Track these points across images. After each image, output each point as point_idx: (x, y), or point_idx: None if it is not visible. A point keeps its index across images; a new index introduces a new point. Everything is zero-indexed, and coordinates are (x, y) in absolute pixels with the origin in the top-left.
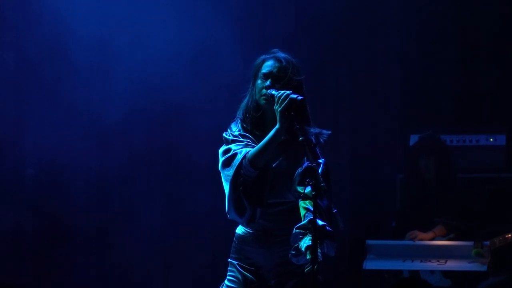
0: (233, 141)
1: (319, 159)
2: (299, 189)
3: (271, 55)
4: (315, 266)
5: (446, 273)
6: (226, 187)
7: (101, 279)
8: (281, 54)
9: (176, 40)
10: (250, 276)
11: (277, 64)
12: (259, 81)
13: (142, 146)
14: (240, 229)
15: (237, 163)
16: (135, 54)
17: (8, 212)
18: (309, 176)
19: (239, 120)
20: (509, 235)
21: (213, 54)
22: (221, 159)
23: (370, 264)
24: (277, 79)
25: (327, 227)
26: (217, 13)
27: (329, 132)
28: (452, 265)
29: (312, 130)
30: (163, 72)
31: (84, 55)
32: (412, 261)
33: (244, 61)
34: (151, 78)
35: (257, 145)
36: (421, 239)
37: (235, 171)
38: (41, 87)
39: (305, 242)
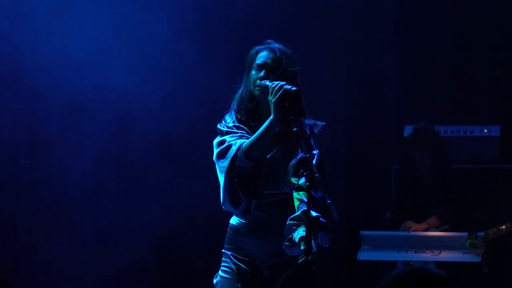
0: (227, 133)
1: (314, 150)
2: (293, 180)
3: (266, 46)
4: (309, 257)
5: (440, 264)
6: (221, 179)
7: (95, 272)
8: (276, 45)
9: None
10: (244, 266)
11: (271, 55)
12: (253, 72)
13: (137, 138)
14: (234, 220)
15: (232, 154)
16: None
17: (3, 205)
18: (303, 167)
19: (233, 112)
20: (503, 227)
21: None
22: (215, 151)
23: (364, 255)
24: (272, 70)
25: (321, 218)
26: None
27: (324, 123)
28: (446, 256)
29: (306, 121)
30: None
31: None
32: (406, 252)
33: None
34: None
35: (251, 136)
36: (415, 230)
37: (230, 162)
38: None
39: (299, 233)
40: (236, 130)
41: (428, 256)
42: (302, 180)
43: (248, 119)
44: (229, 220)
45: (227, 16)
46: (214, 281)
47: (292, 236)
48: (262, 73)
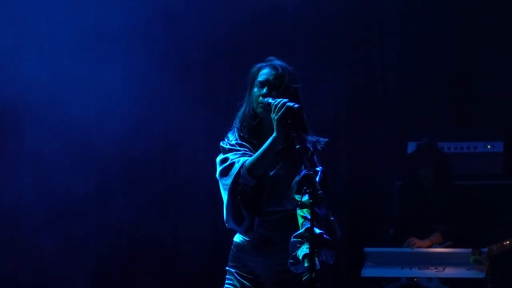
0: (230, 150)
1: (317, 167)
2: (297, 197)
3: (267, 63)
4: (313, 274)
5: (444, 280)
6: (224, 196)
7: (98, 286)
8: (277, 62)
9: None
10: (248, 284)
11: (273, 72)
12: (255, 89)
13: (140, 153)
14: (238, 237)
15: (235, 172)
16: None
17: (7, 217)
18: (306, 184)
19: (236, 129)
20: (507, 242)
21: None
22: (218, 168)
23: (368, 272)
24: (274, 86)
25: (325, 235)
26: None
27: (327, 139)
28: (450, 272)
29: (309, 138)
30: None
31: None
32: (410, 269)
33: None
34: None
35: (254, 154)
36: (419, 247)
37: (233, 180)
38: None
39: (303, 250)
40: (239, 148)
41: (432, 272)
42: (305, 197)
43: (251, 136)
44: (233, 237)
45: (227, 31)
46: None
47: (296, 254)
48: (264, 90)
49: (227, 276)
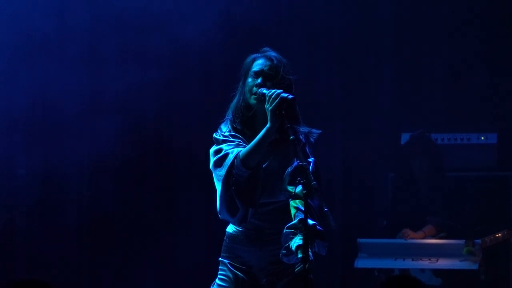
0: (223, 141)
1: (309, 158)
2: (290, 188)
3: (262, 54)
4: (306, 265)
5: (437, 272)
6: (218, 187)
7: (93, 278)
8: (272, 53)
9: None
10: (241, 275)
11: (268, 63)
12: (249, 79)
13: (134, 145)
14: (231, 228)
15: (229, 163)
16: None
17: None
18: (300, 175)
19: (228, 121)
20: (500, 234)
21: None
22: (212, 159)
23: (362, 263)
24: (268, 77)
25: (318, 226)
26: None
27: (319, 131)
28: (443, 263)
29: (301, 129)
30: None
31: None
32: (404, 260)
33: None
34: None
35: (248, 144)
36: (412, 238)
37: (227, 171)
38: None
39: (296, 241)
40: (232, 139)
41: (425, 263)
42: (299, 188)
43: (244, 127)
44: (226, 228)
45: (224, 24)
46: None
47: (289, 245)
48: (259, 80)
49: (220, 267)
